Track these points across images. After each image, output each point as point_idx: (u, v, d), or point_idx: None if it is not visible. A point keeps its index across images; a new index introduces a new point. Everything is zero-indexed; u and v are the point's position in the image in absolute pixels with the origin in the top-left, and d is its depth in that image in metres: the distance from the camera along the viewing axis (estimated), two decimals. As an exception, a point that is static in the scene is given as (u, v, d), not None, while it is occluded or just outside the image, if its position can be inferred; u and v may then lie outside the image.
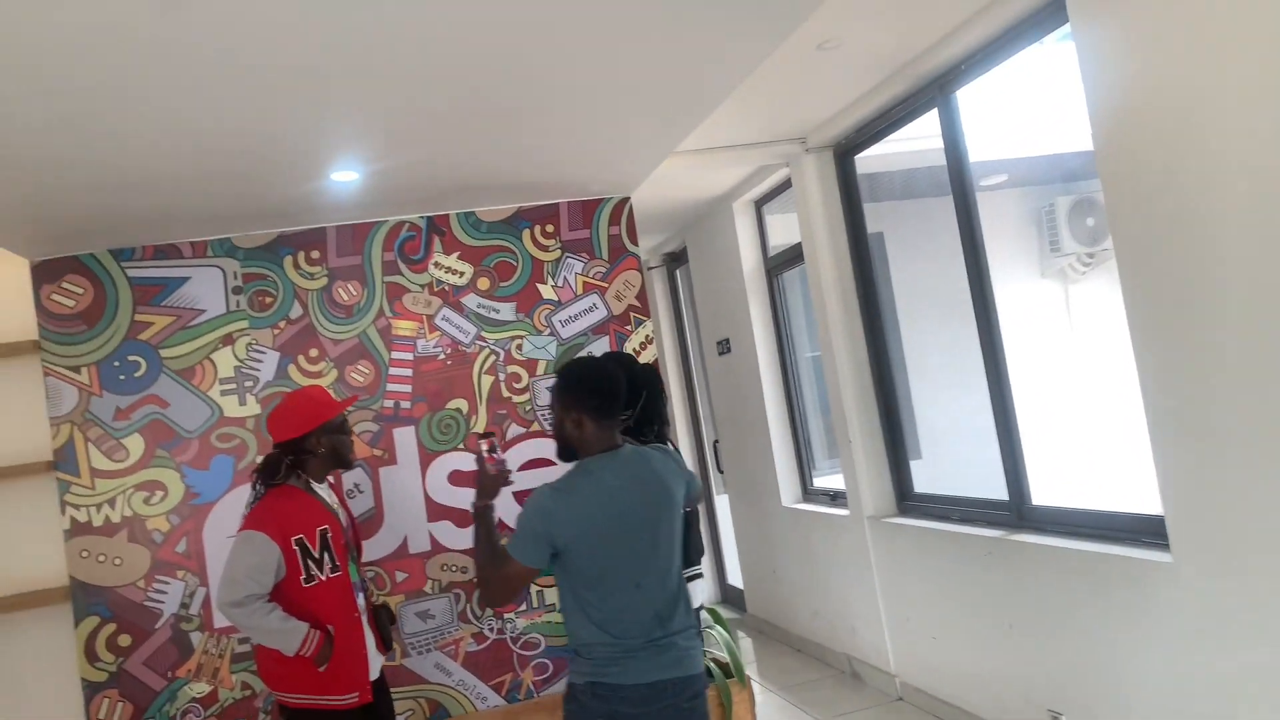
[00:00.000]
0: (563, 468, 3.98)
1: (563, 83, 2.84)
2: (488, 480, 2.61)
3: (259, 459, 3.75)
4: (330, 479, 3.12)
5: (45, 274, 3.70)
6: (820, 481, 5.68)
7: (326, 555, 2.95)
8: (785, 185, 5.30)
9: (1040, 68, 3.77)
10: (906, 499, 4.66)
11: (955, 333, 4.23)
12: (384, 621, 3.18)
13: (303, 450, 3.02)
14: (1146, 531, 3.11)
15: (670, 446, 3.14)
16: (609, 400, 2.44)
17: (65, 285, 3.71)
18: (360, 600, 3.05)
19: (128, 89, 2.40)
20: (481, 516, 2.52)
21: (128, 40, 2.14)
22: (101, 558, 3.64)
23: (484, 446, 2.68)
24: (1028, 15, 3.30)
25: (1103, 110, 2.85)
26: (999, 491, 3.95)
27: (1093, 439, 5.08)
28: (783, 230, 5.80)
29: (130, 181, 3.07)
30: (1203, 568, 2.73)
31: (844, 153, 4.68)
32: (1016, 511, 3.82)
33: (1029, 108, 4.49)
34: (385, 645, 3.16)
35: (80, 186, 3.05)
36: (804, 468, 5.70)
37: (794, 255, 5.36)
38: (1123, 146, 2.81)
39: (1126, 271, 2.87)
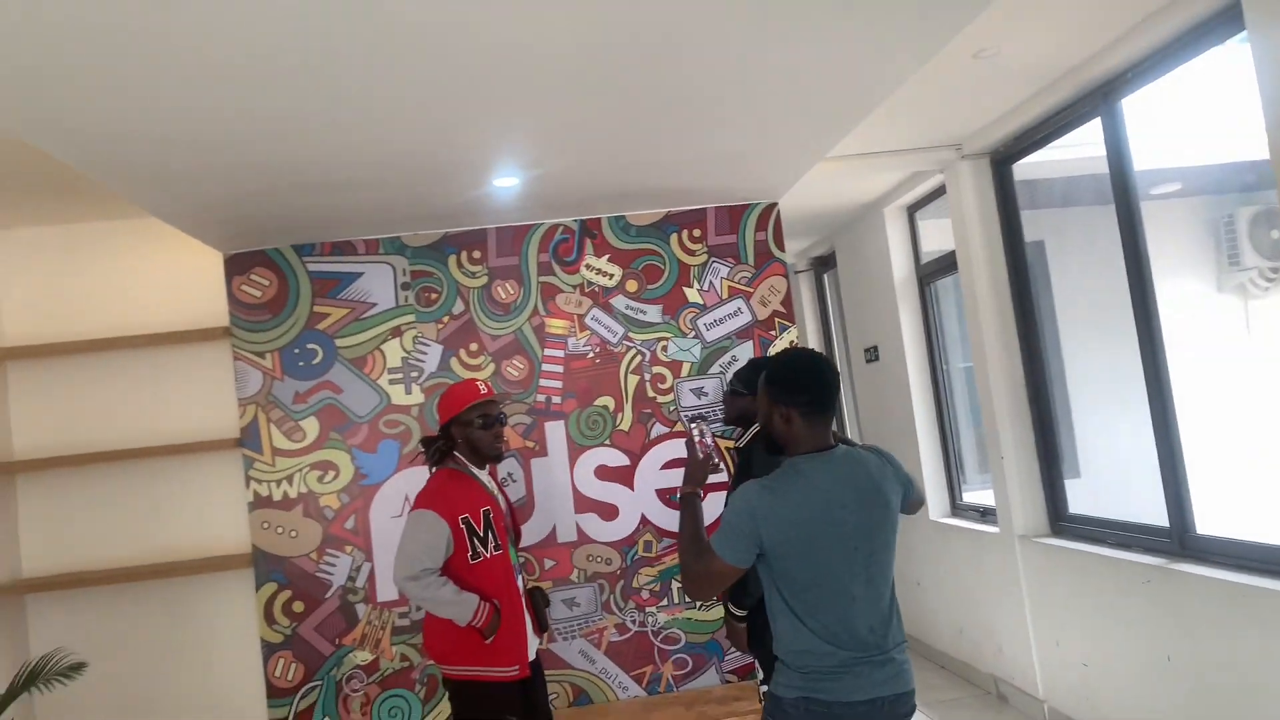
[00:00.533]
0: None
1: (716, 91, 2.92)
2: (696, 466, 2.45)
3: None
4: (489, 466, 3.30)
5: (236, 266, 4.06)
6: (970, 496, 5.54)
7: (490, 534, 3.13)
8: (939, 191, 5.21)
9: (1218, 71, 3.58)
10: (1060, 519, 4.49)
11: (1120, 347, 4.06)
12: (539, 604, 3.32)
13: (447, 437, 3.24)
14: (1322, 565, 2.92)
15: None
16: (820, 397, 2.29)
17: (253, 277, 4.06)
18: (520, 581, 3.22)
19: (316, 108, 2.64)
20: (688, 504, 2.38)
21: (315, 64, 2.36)
22: (280, 529, 3.97)
23: (695, 431, 2.50)
24: (1200, 21, 3.14)
25: (1279, 118, 2.70)
26: (1160, 517, 3.76)
27: (1272, 466, 4.76)
28: (936, 236, 5.69)
29: (314, 184, 3.35)
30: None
31: (1001, 160, 4.56)
32: (1178, 539, 3.64)
33: (1204, 113, 4.26)
34: (541, 627, 3.31)
35: (270, 189, 3.35)
36: (953, 481, 5.57)
37: (948, 263, 5.26)
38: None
39: (1306, 287, 2.70)
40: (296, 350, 4.04)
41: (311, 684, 3.92)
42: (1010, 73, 3.79)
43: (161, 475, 4.05)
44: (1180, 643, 3.48)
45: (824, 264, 7.10)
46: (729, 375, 4.13)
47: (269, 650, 3.93)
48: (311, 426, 4.02)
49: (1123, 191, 3.70)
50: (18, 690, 2.98)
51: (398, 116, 2.80)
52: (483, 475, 3.26)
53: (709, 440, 2.47)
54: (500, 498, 3.29)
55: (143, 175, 3.03)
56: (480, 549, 3.12)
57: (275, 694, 3.91)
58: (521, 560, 3.75)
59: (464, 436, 3.21)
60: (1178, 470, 3.65)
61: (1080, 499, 4.53)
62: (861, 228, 6.02)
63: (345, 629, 3.96)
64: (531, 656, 3.23)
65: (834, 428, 2.41)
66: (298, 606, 3.95)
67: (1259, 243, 4.99)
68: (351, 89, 2.55)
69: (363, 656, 3.96)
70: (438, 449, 3.26)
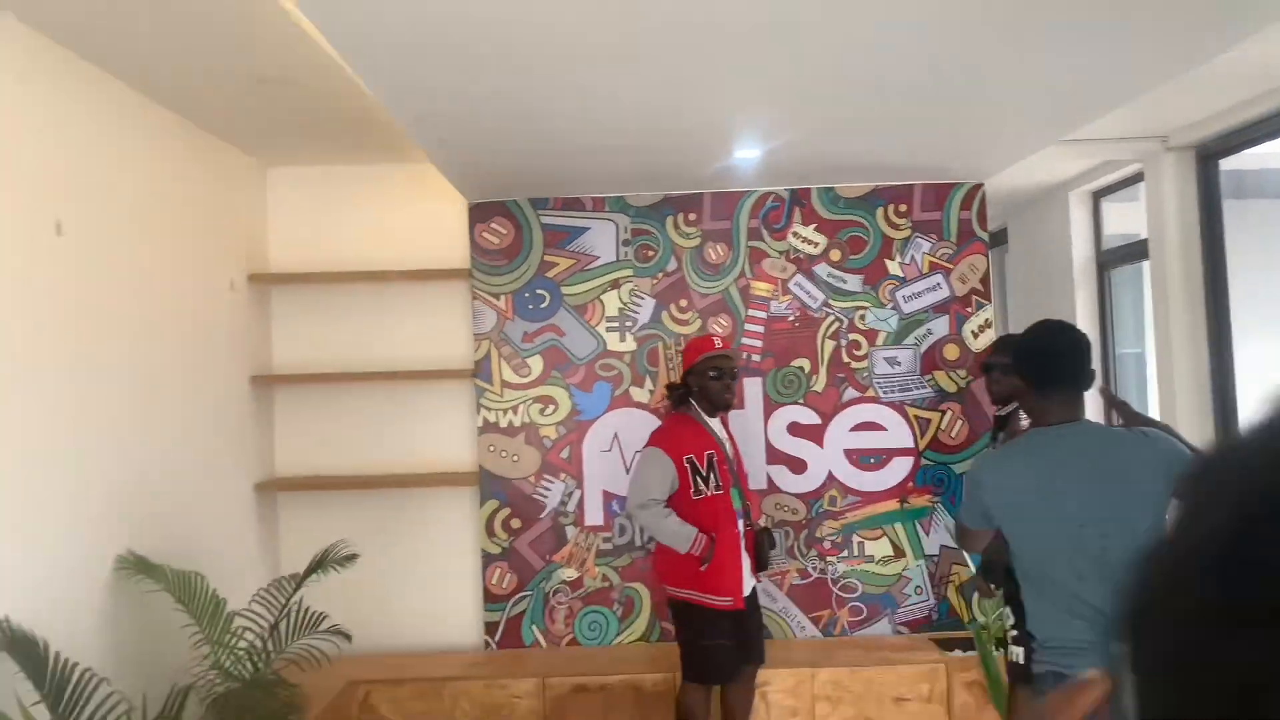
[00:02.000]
0: (892, 432, 4.29)
1: (959, 84, 3.09)
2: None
3: (631, 389, 4.40)
4: (721, 416, 3.65)
5: (479, 214, 4.46)
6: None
7: (712, 476, 3.49)
8: (1130, 180, 5.27)
9: None
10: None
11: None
12: (763, 546, 3.66)
13: (686, 385, 3.60)
14: None
15: None
16: (1048, 370, 2.33)
17: (493, 225, 4.45)
18: (740, 524, 3.56)
19: (621, 84, 2.95)
20: None
21: (580, 42, 2.67)
22: (504, 453, 4.41)
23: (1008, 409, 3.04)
24: None
25: None
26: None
27: None
28: (1117, 219, 5.75)
29: (575, 149, 3.69)
30: None
31: (1208, 156, 4.62)
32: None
33: None
34: (759, 566, 3.65)
35: (518, 151, 3.69)
36: (1111, 463, 5.70)
37: (1131, 252, 5.34)
38: None
39: None
40: (527, 294, 4.43)
41: (523, 593, 4.38)
42: (1237, 73, 3.86)
43: (400, 397, 4.52)
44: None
45: (994, 239, 7.18)
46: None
47: (488, 560, 4.40)
48: (536, 364, 4.43)
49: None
50: (311, 571, 3.48)
51: (677, 95, 3.08)
52: (713, 423, 3.61)
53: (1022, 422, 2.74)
54: (728, 444, 3.63)
55: (443, 132, 3.40)
56: (702, 487, 3.48)
57: (491, 599, 4.39)
58: (746, 504, 4.03)
59: (698, 385, 3.56)
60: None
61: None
62: (1042, 208, 6.10)
63: (555, 547, 4.40)
64: (746, 593, 3.58)
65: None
66: (515, 523, 4.40)
67: None
68: (654, 76, 2.86)
69: (569, 573, 4.40)
70: (678, 395, 3.63)
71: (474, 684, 3.97)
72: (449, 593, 4.47)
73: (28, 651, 2.47)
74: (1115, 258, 5.61)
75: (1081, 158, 5.10)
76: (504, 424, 4.42)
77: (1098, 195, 5.77)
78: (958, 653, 4.02)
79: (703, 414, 3.59)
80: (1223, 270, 4.63)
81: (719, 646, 3.51)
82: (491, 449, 4.41)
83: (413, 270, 4.43)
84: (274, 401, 4.53)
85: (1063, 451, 2.28)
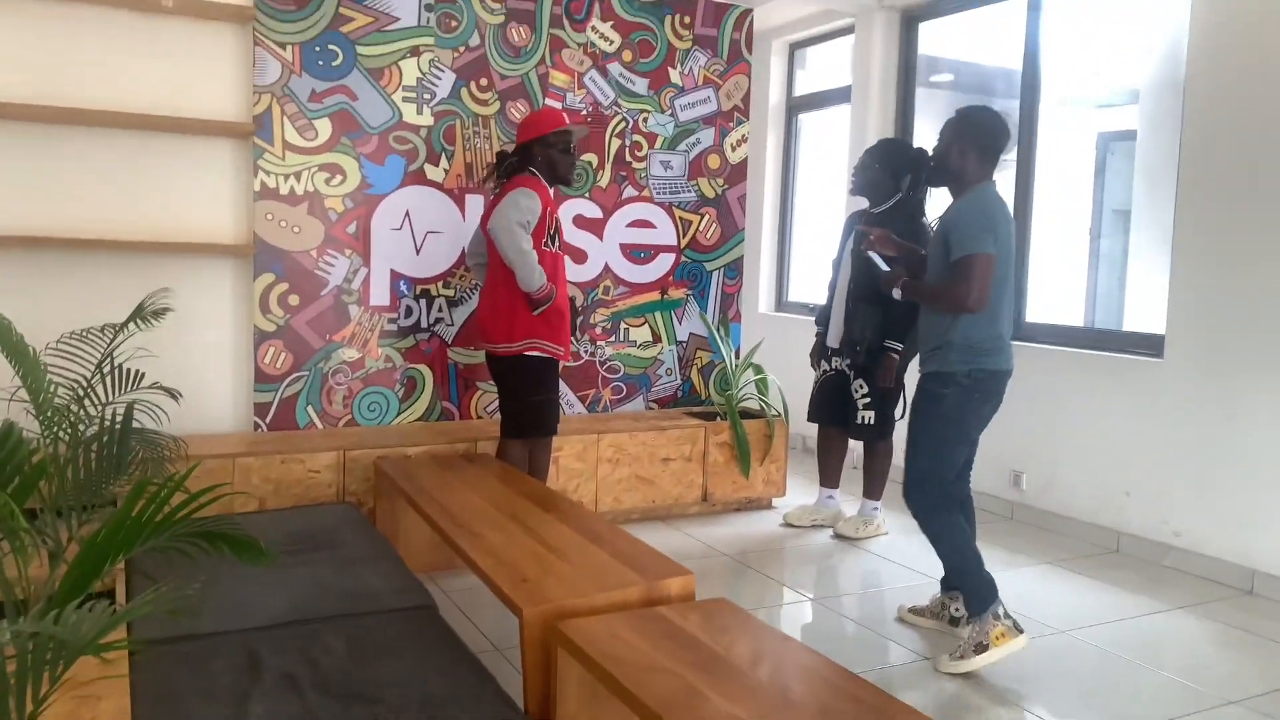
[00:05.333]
0: (660, 229, 4.70)
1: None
2: (893, 272, 3.29)
3: (426, 167, 4.26)
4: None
5: (260, -53, 3.89)
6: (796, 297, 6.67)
7: (558, 236, 3.63)
8: (830, 35, 6.04)
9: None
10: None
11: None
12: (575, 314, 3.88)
13: (528, 155, 3.63)
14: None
15: None
16: (996, 141, 3.02)
17: (280, -37, 3.92)
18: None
19: None
20: (911, 287, 3.18)
21: None
22: (283, 223, 4.03)
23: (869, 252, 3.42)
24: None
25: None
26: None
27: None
28: (802, 76, 6.55)
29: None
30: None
31: (911, 19, 5.47)
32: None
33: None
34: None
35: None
36: (782, 279, 6.65)
37: (823, 99, 6.17)
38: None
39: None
40: (318, 48, 4.01)
41: (298, 373, 4.12)
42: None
43: (154, 151, 3.87)
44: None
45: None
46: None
47: (260, 337, 4.05)
48: (324, 128, 4.06)
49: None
50: (129, 321, 2.97)
51: None
52: (551, 193, 3.70)
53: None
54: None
55: None
56: (549, 243, 3.61)
57: (263, 379, 4.07)
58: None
59: (545, 156, 3.61)
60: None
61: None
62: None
63: (337, 326, 4.17)
64: None
65: None
66: (293, 300, 4.08)
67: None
68: None
69: (350, 354, 4.21)
70: (510, 164, 3.64)
71: (266, 460, 3.72)
72: (212, 372, 4.06)
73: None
74: (805, 104, 6.41)
75: (809, 3, 5.69)
76: (285, 191, 4.02)
77: (794, 47, 6.49)
78: (719, 420, 4.62)
79: (542, 183, 3.66)
80: (912, 115, 5.57)
81: (549, 400, 3.72)
82: (269, 217, 4.01)
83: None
84: (-27, 135, 3.65)
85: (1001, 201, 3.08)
